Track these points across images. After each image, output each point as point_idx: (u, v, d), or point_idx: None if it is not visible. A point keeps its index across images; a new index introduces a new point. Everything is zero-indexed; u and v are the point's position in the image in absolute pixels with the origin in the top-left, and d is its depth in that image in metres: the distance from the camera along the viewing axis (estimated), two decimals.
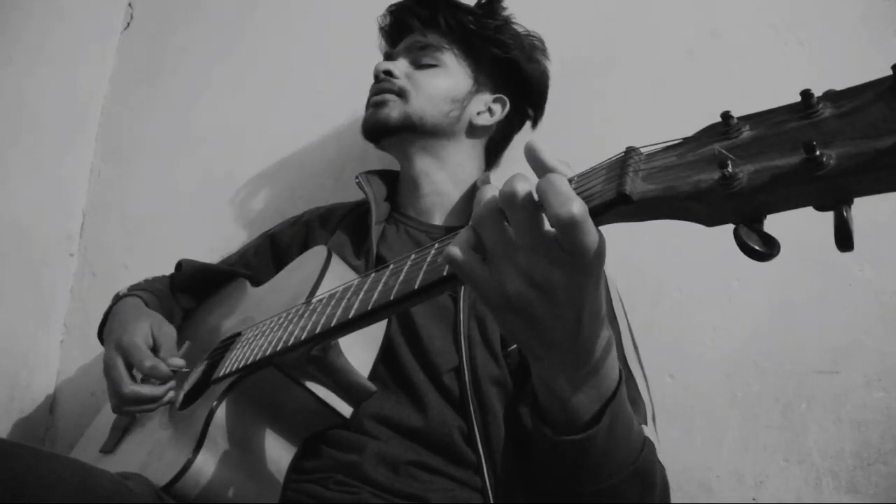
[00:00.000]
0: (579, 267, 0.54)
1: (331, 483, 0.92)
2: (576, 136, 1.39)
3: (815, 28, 1.30)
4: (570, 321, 0.57)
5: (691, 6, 1.39)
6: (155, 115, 1.82)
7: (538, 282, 0.55)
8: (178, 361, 1.02)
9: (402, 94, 1.20)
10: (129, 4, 1.97)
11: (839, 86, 1.40)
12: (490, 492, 0.92)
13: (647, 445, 0.76)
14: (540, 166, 0.55)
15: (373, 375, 0.94)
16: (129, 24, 1.96)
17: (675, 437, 1.18)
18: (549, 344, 0.60)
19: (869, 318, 1.13)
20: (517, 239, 0.54)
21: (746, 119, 0.47)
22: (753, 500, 1.12)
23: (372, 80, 1.25)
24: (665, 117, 1.34)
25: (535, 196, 0.53)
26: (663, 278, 1.25)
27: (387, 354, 0.99)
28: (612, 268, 1.01)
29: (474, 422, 0.94)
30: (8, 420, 1.54)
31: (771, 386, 1.16)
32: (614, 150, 1.54)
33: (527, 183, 0.53)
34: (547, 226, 0.53)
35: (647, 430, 0.86)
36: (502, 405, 0.96)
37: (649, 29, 1.41)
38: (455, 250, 0.57)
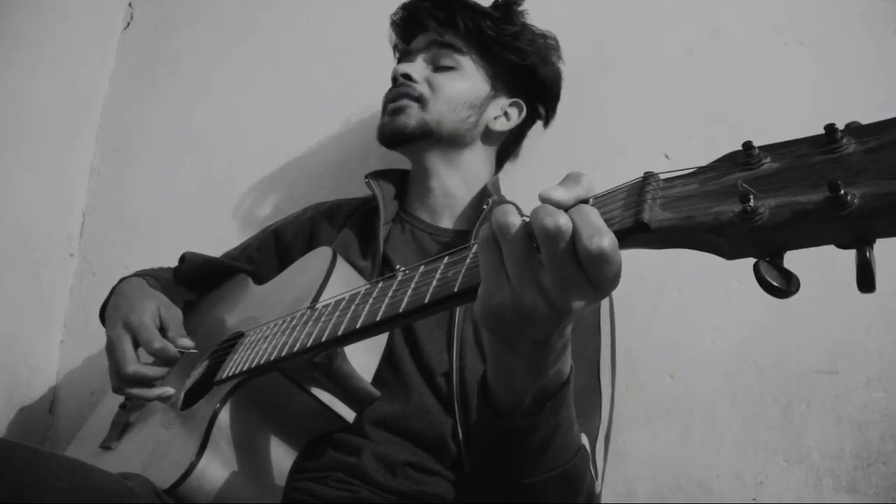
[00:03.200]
0: (599, 295, 0.55)
1: (330, 481, 0.93)
2: (575, 135, 1.39)
3: (815, 28, 1.30)
4: (562, 324, 0.59)
5: (691, 6, 1.39)
6: (155, 115, 1.82)
7: (559, 307, 0.55)
8: (187, 342, 1.02)
9: (420, 100, 1.19)
10: (129, 4, 1.97)
11: (839, 86, 1.40)
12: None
13: (581, 453, 0.78)
14: (562, 206, 0.55)
15: (375, 377, 0.94)
16: (129, 24, 1.96)
17: (675, 437, 1.18)
18: (533, 342, 0.61)
19: (869, 318, 1.13)
20: (549, 268, 0.54)
21: (767, 149, 0.46)
22: (753, 500, 1.12)
23: (371, 80, 1.24)
24: (665, 117, 1.34)
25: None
26: (663, 279, 1.25)
27: (386, 356, 0.99)
28: None
29: (458, 424, 0.95)
30: (8, 420, 1.54)
31: (771, 386, 1.16)
32: (614, 149, 1.54)
33: (565, 217, 0.52)
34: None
35: (597, 448, 0.89)
36: None
37: (649, 29, 1.41)
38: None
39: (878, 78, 1.22)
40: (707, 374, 1.19)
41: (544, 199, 0.54)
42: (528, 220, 0.54)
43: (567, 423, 0.73)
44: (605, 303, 1.08)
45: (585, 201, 0.56)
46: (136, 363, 1.00)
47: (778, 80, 1.29)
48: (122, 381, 1.00)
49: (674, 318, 1.24)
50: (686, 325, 1.23)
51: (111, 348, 1.04)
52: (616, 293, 1.12)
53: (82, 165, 1.82)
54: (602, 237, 0.50)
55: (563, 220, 0.52)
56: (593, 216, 0.51)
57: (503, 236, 0.55)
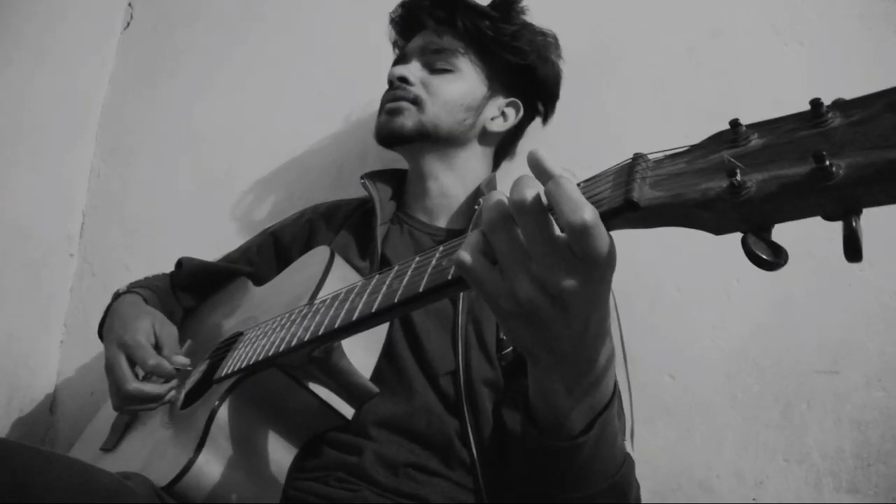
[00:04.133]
0: (591, 273, 0.53)
1: (331, 480, 0.93)
2: (575, 135, 1.39)
3: (815, 28, 1.30)
4: (578, 329, 0.57)
5: (691, 6, 1.39)
6: (155, 115, 1.82)
7: (551, 289, 0.54)
8: (183, 360, 1.02)
9: (416, 102, 1.18)
10: (129, 4, 1.97)
11: (839, 85, 1.39)
12: (484, 492, 0.92)
13: (627, 461, 0.78)
14: (544, 175, 0.54)
15: (374, 376, 0.94)
16: (129, 24, 1.96)
17: (675, 437, 1.18)
18: (553, 351, 0.59)
19: (869, 317, 1.13)
20: (529, 246, 0.53)
21: (755, 127, 0.47)
22: (753, 500, 1.12)
23: (370, 80, 1.25)
24: (665, 117, 1.34)
25: (545, 200, 0.52)
26: (662, 278, 1.25)
27: (387, 356, 0.99)
28: None
29: (468, 424, 0.95)
30: (8, 420, 1.54)
31: (771, 386, 1.16)
32: (613, 149, 1.54)
33: (535, 189, 0.52)
34: (558, 231, 0.53)
35: (627, 447, 0.88)
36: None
37: (649, 29, 1.41)
38: (465, 255, 0.56)
39: (878, 78, 1.21)
40: (707, 373, 1.19)
41: (531, 158, 0.54)
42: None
43: (612, 437, 0.72)
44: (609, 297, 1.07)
45: (577, 184, 0.55)
46: (134, 382, 1.00)
47: (778, 80, 1.29)
48: (122, 399, 1.01)
49: (673, 317, 1.24)
50: (686, 324, 1.23)
51: (109, 369, 1.04)
52: (615, 291, 1.12)
53: (82, 165, 1.82)
54: (583, 209, 0.49)
55: (529, 193, 0.52)
56: (571, 190, 0.50)
57: (489, 227, 0.55)
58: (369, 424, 0.96)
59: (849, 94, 1.33)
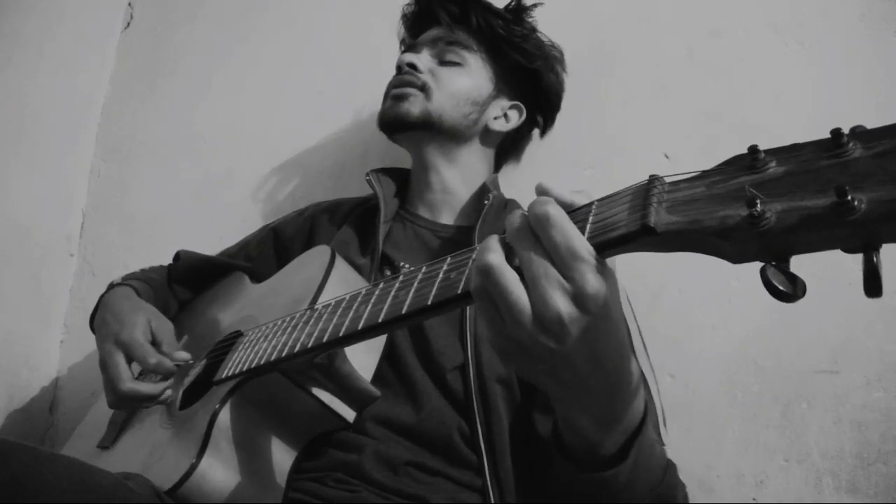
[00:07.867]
0: (585, 300, 0.52)
1: (330, 481, 0.92)
2: (576, 135, 1.39)
3: (815, 28, 1.30)
4: (583, 358, 0.55)
5: (691, 6, 1.39)
6: (155, 115, 1.82)
7: (539, 309, 0.53)
8: (184, 355, 1.02)
9: (424, 89, 1.19)
10: (129, 4, 1.97)
11: (839, 85, 1.39)
12: (491, 492, 0.91)
13: (669, 469, 0.77)
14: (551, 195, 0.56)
15: (375, 375, 0.94)
16: (129, 24, 1.96)
17: (674, 436, 1.18)
18: (563, 384, 0.58)
19: (869, 317, 1.13)
20: (523, 264, 0.53)
21: (773, 153, 0.46)
22: (753, 500, 1.12)
23: (371, 80, 1.24)
24: (665, 117, 1.34)
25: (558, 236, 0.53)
26: (663, 278, 1.25)
27: (390, 352, 0.99)
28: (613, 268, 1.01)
29: (477, 421, 0.93)
30: (8, 420, 1.54)
31: (771, 386, 1.16)
32: (614, 149, 1.54)
33: (555, 206, 0.53)
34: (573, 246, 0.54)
35: (663, 435, 0.87)
36: (506, 404, 0.95)
37: (649, 29, 1.41)
38: (494, 258, 0.54)
39: (878, 78, 1.22)
40: (707, 373, 1.19)
41: (541, 188, 0.56)
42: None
43: (649, 452, 0.70)
44: (621, 293, 1.07)
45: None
46: (130, 381, 0.99)
47: (778, 80, 1.29)
48: (118, 398, 1.00)
49: (674, 317, 1.23)
50: (686, 324, 1.23)
51: (104, 366, 1.04)
52: (622, 288, 1.12)
53: (82, 165, 1.82)
54: (545, 205, 0.52)
55: (552, 209, 0.53)
56: (565, 225, 0.52)
57: (487, 278, 0.54)
58: (369, 422, 0.96)
59: (848, 94, 1.32)
